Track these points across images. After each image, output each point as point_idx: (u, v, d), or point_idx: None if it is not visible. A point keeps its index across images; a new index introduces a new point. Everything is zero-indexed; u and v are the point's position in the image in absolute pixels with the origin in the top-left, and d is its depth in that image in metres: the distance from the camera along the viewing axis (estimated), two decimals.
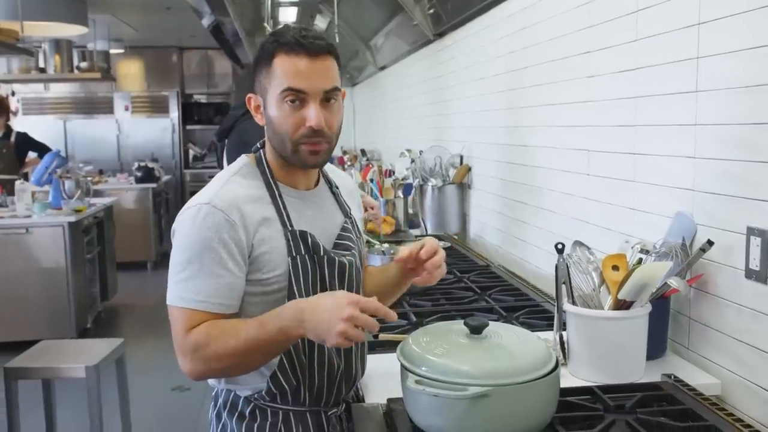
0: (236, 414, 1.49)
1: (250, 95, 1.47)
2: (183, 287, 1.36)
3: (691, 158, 1.66)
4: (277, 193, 1.45)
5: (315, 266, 1.44)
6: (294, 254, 1.42)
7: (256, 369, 1.42)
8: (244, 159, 1.52)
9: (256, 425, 1.47)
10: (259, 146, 1.52)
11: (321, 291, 1.45)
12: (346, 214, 1.59)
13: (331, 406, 1.52)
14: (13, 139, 6.40)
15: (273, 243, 1.41)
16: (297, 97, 1.38)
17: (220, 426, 1.51)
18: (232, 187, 1.43)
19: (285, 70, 1.38)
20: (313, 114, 1.38)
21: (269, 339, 1.32)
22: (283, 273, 1.41)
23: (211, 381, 1.52)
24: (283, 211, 1.44)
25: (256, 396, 1.47)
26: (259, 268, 1.40)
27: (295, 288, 1.42)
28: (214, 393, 1.55)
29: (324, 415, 1.51)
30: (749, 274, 1.47)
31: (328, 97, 1.41)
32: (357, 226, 1.61)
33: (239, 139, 4.84)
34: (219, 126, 5.17)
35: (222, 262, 1.35)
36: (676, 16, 1.68)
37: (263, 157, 1.49)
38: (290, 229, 1.43)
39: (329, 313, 1.26)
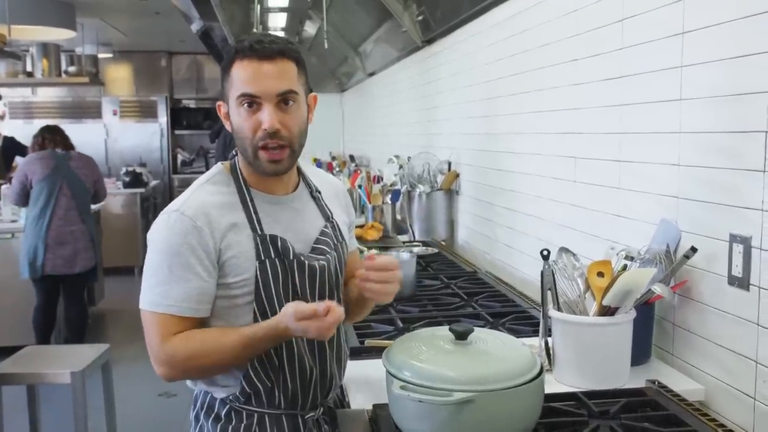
0: (212, 416, 1.51)
1: (219, 103, 1.50)
2: (153, 292, 1.40)
3: (675, 165, 1.67)
4: (248, 198, 1.47)
5: (285, 270, 1.45)
6: (263, 258, 1.43)
7: (226, 372, 1.47)
8: (218, 166, 1.54)
9: (230, 427, 1.49)
10: (234, 153, 1.54)
11: (292, 294, 1.47)
12: (327, 218, 1.59)
13: (308, 410, 1.52)
14: (0, 143, 6.37)
15: (240, 247, 1.43)
16: (252, 101, 1.41)
17: (198, 427, 1.53)
18: (201, 194, 1.46)
19: (239, 76, 1.41)
20: (266, 116, 1.40)
21: (254, 338, 1.38)
22: (250, 277, 1.43)
23: (189, 383, 1.55)
24: (253, 215, 1.46)
25: (231, 398, 1.49)
26: (227, 273, 1.43)
27: (263, 291, 1.43)
28: (193, 395, 1.57)
29: (300, 418, 1.51)
30: (732, 280, 1.48)
31: (285, 99, 1.42)
32: (339, 229, 1.60)
33: (224, 140, 4.87)
34: (212, 129, 5.21)
35: (190, 267, 1.39)
36: (661, 24, 1.70)
37: (237, 164, 1.51)
38: (260, 233, 1.44)
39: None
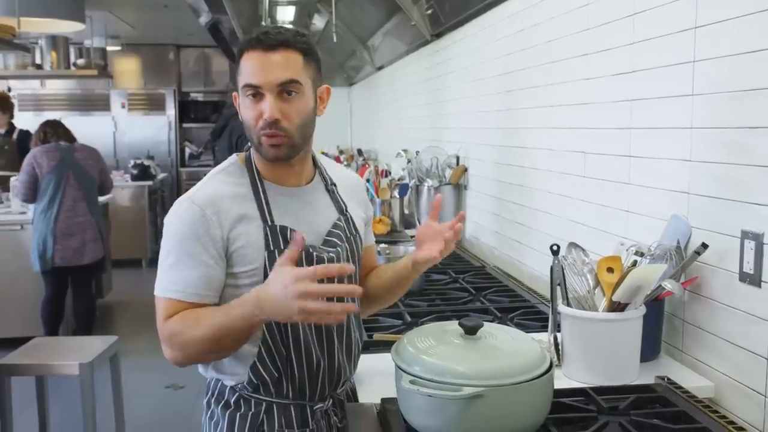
0: (222, 402, 1.53)
1: (234, 93, 1.52)
2: (163, 278, 1.44)
3: (686, 161, 1.66)
4: (261, 189, 1.49)
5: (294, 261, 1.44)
6: (272, 248, 1.44)
7: (229, 355, 1.45)
8: (233, 157, 1.56)
9: (239, 414, 1.50)
10: (250, 145, 1.54)
11: None
12: (341, 211, 1.59)
13: (317, 401, 1.53)
14: (14, 136, 6.39)
15: (249, 238, 1.44)
16: (255, 91, 1.42)
17: (209, 413, 1.56)
18: (213, 184, 1.49)
19: (245, 67, 1.44)
20: (266, 107, 1.41)
21: (234, 325, 1.34)
22: (259, 267, 1.44)
23: (201, 371, 1.56)
24: (264, 207, 1.47)
25: (240, 386, 1.50)
26: (235, 263, 1.44)
27: None
28: (207, 382, 1.59)
29: (309, 408, 1.52)
30: (743, 277, 1.47)
31: (287, 90, 1.42)
32: (353, 223, 1.61)
33: (229, 138, 4.85)
34: (214, 125, 5.19)
35: (197, 254, 1.41)
36: (673, 19, 1.69)
37: (251, 155, 1.53)
38: (270, 224, 1.45)
39: (281, 298, 1.26)
